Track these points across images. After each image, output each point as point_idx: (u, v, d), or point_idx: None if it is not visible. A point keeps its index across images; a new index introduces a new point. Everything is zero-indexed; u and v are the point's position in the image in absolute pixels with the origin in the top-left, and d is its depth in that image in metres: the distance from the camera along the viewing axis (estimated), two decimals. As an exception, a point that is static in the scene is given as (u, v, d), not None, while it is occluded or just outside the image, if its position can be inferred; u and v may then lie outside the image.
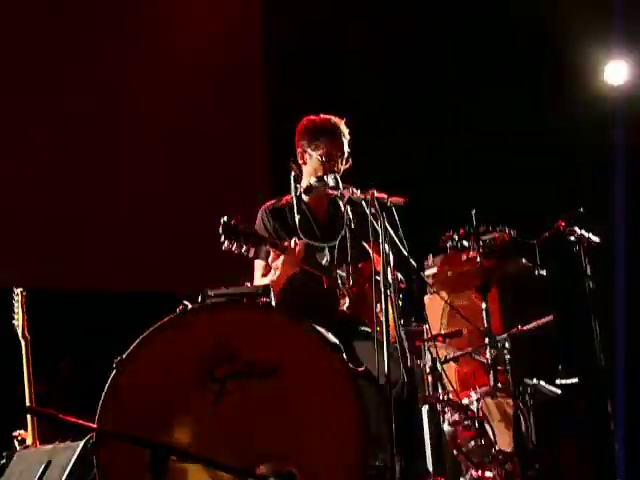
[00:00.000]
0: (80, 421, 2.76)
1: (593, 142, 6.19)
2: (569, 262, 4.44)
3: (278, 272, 3.84)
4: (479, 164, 6.18)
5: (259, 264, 4.07)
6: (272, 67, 6.69)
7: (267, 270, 4.00)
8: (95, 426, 2.92)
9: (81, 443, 3.41)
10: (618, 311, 5.13)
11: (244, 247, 3.65)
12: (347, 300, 3.95)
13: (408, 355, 3.70)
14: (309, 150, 4.11)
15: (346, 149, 4.15)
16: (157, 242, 6.15)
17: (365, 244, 4.04)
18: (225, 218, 3.62)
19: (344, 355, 3.17)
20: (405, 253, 3.69)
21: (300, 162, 4.16)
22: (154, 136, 6.30)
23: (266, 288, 3.25)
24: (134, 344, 3.08)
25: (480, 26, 6.50)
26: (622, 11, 6.33)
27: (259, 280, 4.01)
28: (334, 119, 4.16)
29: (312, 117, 4.19)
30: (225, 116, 6.56)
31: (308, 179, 4.08)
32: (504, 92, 6.27)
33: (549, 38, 6.25)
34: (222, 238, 3.61)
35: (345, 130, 4.16)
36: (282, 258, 3.80)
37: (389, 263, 3.54)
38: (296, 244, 3.81)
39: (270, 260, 3.89)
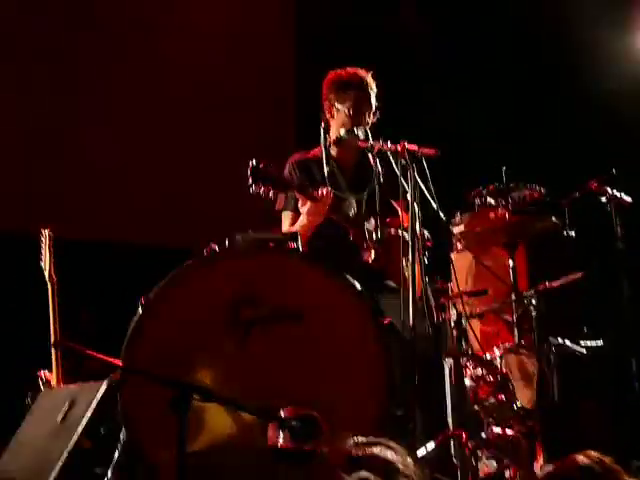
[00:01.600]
0: (105, 357, 2.80)
1: (630, 105, 6.11)
2: (599, 222, 4.40)
3: (305, 219, 3.83)
4: (512, 121, 6.11)
5: (287, 215, 4.06)
6: (302, 24, 6.64)
7: (295, 221, 4.00)
8: (120, 363, 2.94)
9: (105, 382, 3.42)
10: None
11: (272, 191, 3.63)
12: (373, 253, 3.93)
13: (434, 311, 3.71)
14: (337, 103, 4.09)
15: (374, 102, 4.12)
16: (184, 197, 6.15)
17: (393, 202, 4.03)
18: (254, 161, 3.59)
19: (370, 302, 3.16)
20: (434, 205, 3.66)
21: (328, 116, 4.14)
22: (184, 91, 6.29)
23: (294, 234, 3.24)
24: (160, 284, 3.09)
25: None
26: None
27: (287, 230, 4.00)
28: (361, 72, 4.14)
29: (339, 71, 4.16)
30: (254, 72, 6.53)
31: (337, 132, 4.06)
32: (539, 51, 6.18)
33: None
34: (250, 181, 3.58)
35: (372, 83, 4.13)
36: (309, 205, 3.79)
37: (417, 218, 3.52)
38: (325, 192, 3.80)
39: (299, 205, 3.87)
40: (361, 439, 1.87)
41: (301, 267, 3.18)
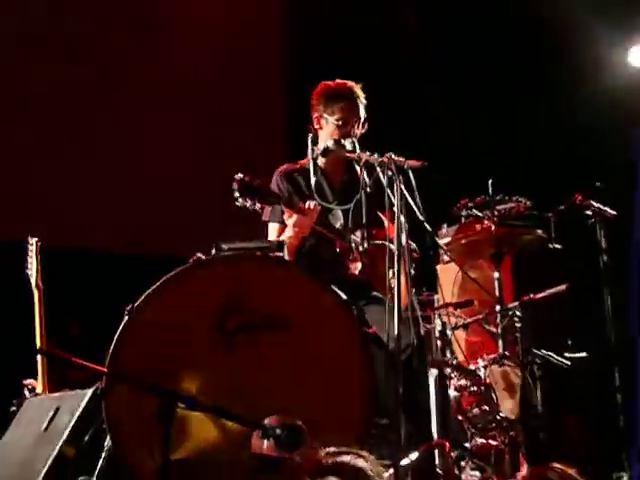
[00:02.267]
0: (90, 364, 2.80)
1: (615, 121, 6.15)
2: (584, 235, 4.43)
3: (291, 232, 3.85)
4: (499, 134, 6.15)
5: (273, 227, 4.07)
6: (294, 32, 6.68)
7: (281, 233, 4.01)
8: (105, 370, 2.94)
9: (90, 390, 3.43)
10: (633, 286, 5.09)
11: (258, 205, 3.65)
12: (359, 264, 3.95)
13: (420, 322, 3.72)
14: (325, 115, 4.11)
15: (362, 114, 4.14)
16: (171, 207, 6.16)
17: (380, 213, 4.05)
18: (240, 174, 3.61)
19: (355, 312, 3.18)
20: (421, 217, 3.68)
21: (316, 127, 4.16)
22: (173, 103, 6.31)
23: (280, 243, 3.26)
24: (146, 292, 3.10)
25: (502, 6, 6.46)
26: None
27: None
28: (350, 84, 4.16)
29: (328, 82, 4.19)
30: (244, 83, 6.56)
31: (325, 143, 4.08)
32: (525, 67, 6.23)
33: (574, 19, 6.20)
34: (236, 194, 3.61)
35: (361, 95, 4.15)
36: (295, 217, 3.81)
37: (403, 228, 3.54)
38: (311, 205, 3.82)
39: (285, 217, 3.89)
40: (332, 449, 1.88)
41: (287, 276, 3.20)
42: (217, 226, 5.78)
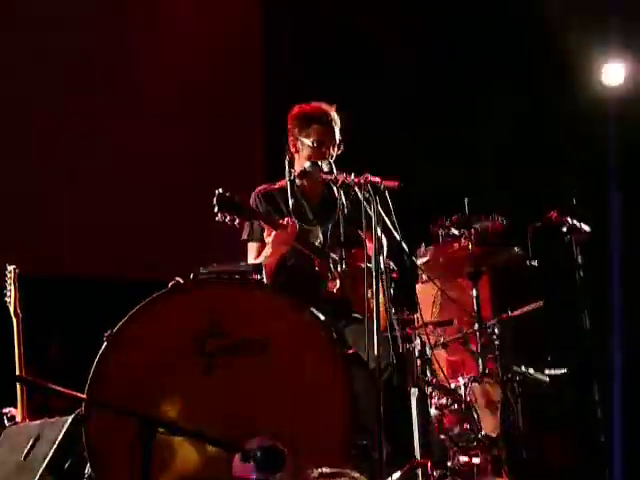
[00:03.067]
0: (69, 391, 2.79)
1: (589, 139, 6.22)
2: (560, 252, 4.47)
3: (271, 249, 3.86)
4: (473, 153, 6.20)
5: (252, 246, 4.09)
6: (271, 51, 6.71)
7: (260, 251, 4.03)
8: (84, 397, 2.93)
9: (70, 418, 3.42)
10: (613, 302, 5.14)
11: (237, 220, 3.68)
12: (338, 283, 3.97)
13: (399, 341, 3.73)
14: (301, 137, 4.14)
15: (337, 135, 4.18)
16: (149, 229, 6.15)
17: (360, 232, 4.07)
18: (220, 190, 3.65)
19: (334, 334, 3.19)
20: (398, 237, 3.71)
21: (292, 150, 4.19)
22: (150, 120, 6.30)
23: (258, 266, 3.27)
24: (125, 318, 3.10)
25: (479, 24, 6.52)
26: (620, 11, 6.35)
27: (252, 261, 4.03)
28: (324, 106, 4.20)
29: (303, 105, 4.23)
30: (222, 101, 6.57)
31: (301, 165, 4.11)
32: (502, 84, 6.28)
33: (547, 37, 6.27)
34: (216, 209, 3.63)
35: (336, 117, 4.19)
36: (274, 234, 3.83)
37: (382, 248, 3.57)
38: (290, 222, 3.85)
39: (265, 235, 3.91)
40: (325, 470, 1.88)
41: (265, 299, 3.21)
42: (199, 248, 5.78)
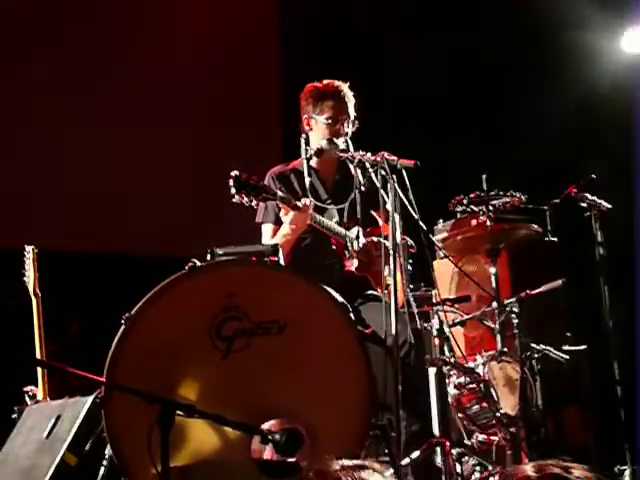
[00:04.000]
0: (88, 374, 2.81)
1: (611, 109, 6.13)
2: (580, 228, 4.42)
3: (287, 228, 3.85)
4: (491, 128, 6.14)
5: (267, 227, 4.08)
6: (287, 35, 6.67)
7: (275, 233, 4.02)
8: (103, 380, 2.95)
9: (90, 398, 3.44)
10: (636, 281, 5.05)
11: (255, 201, 3.66)
12: (355, 261, 3.97)
13: (417, 318, 3.73)
14: (314, 115, 4.11)
15: (351, 112, 4.14)
16: (168, 207, 6.16)
17: (374, 212, 4.06)
18: (237, 171, 3.62)
19: (351, 315, 3.18)
20: (415, 215, 3.69)
21: (307, 128, 4.16)
22: (168, 102, 6.30)
23: (275, 247, 3.25)
24: (142, 301, 3.09)
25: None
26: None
27: (268, 242, 4.02)
28: (337, 83, 4.16)
29: (315, 83, 4.19)
30: (239, 84, 6.55)
31: (317, 143, 4.09)
32: (521, 57, 6.21)
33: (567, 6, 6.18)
34: (233, 191, 3.61)
35: (349, 93, 4.15)
36: (292, 214, 3.81)
37: (399, 227, 3.55)
38: (307, 202, 3.83)
39: (282, 215, 3.89)
40: (347, 462, 1.86)
41: (283, 280, 3.19)
42: (217, 226, 5.79)
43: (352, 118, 4.13)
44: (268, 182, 4.09)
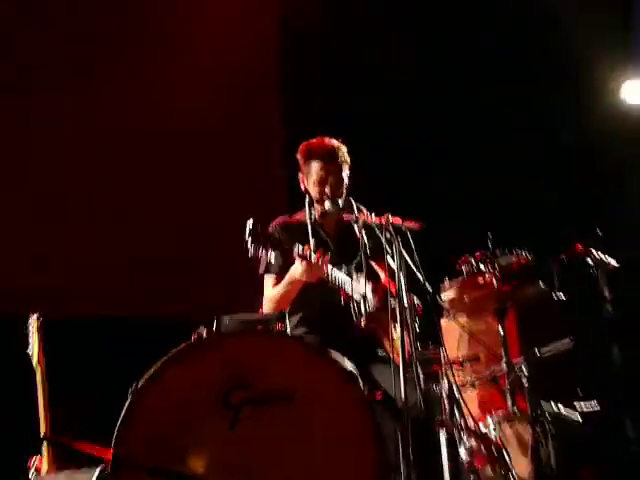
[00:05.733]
0: (95, 451, 2.77)
1: (610, 161, 6.14)
2: (587, 286, 4.39)
3: (296, 277, 3.80)
4: (495, 187, 6.14)
5: (269, 277, 4.04)
6: (288, 77, 6.67)
7: (277, 283, 3.98)
8: (110, 456, 2.91)
9: (97, 471, 3.39)
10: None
11: (272, 252, 3.60)
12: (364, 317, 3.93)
13: (422, 379, 3.68)
14: (306, 175, 4.10)
15: (344, 172, 4.09)
16: (171, 266, 6.11)
17: (374, 264, 4.02)
18: (251, 222, 3.57)
19: (360, 384, 3.14)
20: (420, 278, 3.66)
21: (302, 188, 4.14)
22: (168, 152, 6.23)
23: (281, 314, 3.24)
24: (148, 373, 3.08)
25: (493, 43, 6.48)
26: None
27: (270, 291, 3.99)
28: (328, 141, 4.11)
29: (309, 141, 4.15)
30: (241, 132, 6.53)
31: (316, 203, 4.08)
32: (521, 110, 6.24)
33: (567, 55, 6.22)
34: (249, 241, 3.55)
35: (341, 152, 4.10)
36: (305, 264, 3.74)
37: (404, 286, 3.52)
38: (324, 257, 3.77)
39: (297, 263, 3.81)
40: None
41: (290, 349, 3.17)
42: (223, 287, 5.74)
43: (345, 179, 4.07)
44: (273, 232, 4.04)
